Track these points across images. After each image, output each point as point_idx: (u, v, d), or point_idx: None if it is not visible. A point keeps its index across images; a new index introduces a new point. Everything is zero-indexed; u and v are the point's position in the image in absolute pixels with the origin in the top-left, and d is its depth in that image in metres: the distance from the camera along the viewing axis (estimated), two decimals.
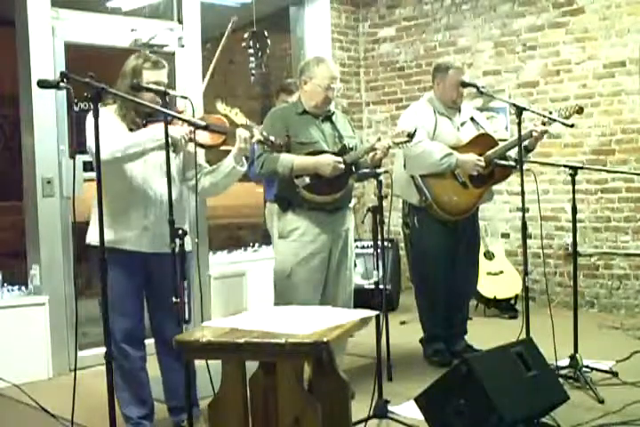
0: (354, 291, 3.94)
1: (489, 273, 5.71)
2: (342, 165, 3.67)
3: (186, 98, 3.10)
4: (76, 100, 4.41)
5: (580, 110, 4.12)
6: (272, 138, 3.34)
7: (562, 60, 5.95)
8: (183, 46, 5.21)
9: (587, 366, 3.93)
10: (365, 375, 3.79)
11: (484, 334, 4.78)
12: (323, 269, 3.80)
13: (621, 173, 5.39)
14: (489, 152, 4.25)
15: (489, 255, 5.80)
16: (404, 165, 4.27)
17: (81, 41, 4.75)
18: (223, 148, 3.29)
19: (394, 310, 5.83)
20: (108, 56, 4.82)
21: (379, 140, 3.74)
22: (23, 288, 4.56)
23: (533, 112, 4.09)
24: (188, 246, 3.21)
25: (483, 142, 4.30)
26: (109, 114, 3.16)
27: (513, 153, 4.22)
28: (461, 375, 3.00)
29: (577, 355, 3.90)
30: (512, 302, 5.74)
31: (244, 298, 5.54)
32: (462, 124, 4.39)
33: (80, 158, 4.26)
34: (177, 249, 2.86)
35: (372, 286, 3.65)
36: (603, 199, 5.79)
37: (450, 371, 3.12)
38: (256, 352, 2.48)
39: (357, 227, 4.41)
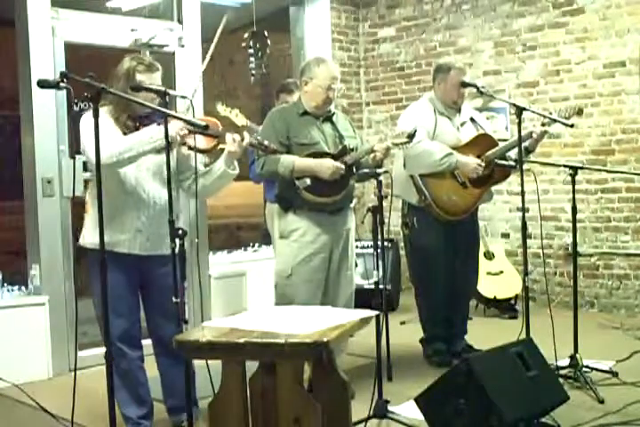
0: (354, 291, 3.95)
1: (489, 273, 5.71)
2: (342, 171, 3.67)
3: (186, 98, 3.09)
4: (75, 100, 4.41)
5: (579, 112, 4.12)
6: (265, 142, 3.33)
7: (562, 60, 5.95)
8: (183, 46, 5.20)
9: (587, 366, 3.93)
10: (365, 375, 3.80)
11: (484, 334, 4.78)
12: (323, 270, 3.80)
13: (621, 173, 5.39)
14: (489, 153, 4.25)
15: (489, 255, 5.80)
16: (404, 165, 4.27)
17: (81, 41, 4.75)
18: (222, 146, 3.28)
19: (394, 310, 5.83)
20: (108, 56, 4.82)
21: (381, 140, 3.74)
22: (23, 288, 4.56)
23: (533, 112, 4.09)
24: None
25: (482, 143, 4.30)
26: (103, 115, 3.15)
27: (513, 153, 4.22)
28: (461, 375, 3.00)
29: (577, 355, 3.90)
30: (512, 302, 5.74)
31: (244, 298, 5.54)
32: (462, 125, 4.39)
33: (80, 158, 4.23)
34: (177, 249, 2.85)
35: (372, 286, 3.65)
36: (603, 199, 5.79)
37: (450, 371, 3.12)
38: (256, 352, 2.48)
39: (357, 227, 4.40)
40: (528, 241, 3.84)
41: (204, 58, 5.33)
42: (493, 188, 4.53)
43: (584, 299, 5.79)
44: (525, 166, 3.80)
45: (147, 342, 3.40)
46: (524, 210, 3.73)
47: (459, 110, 4.41)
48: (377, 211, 3.56)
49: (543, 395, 3.15)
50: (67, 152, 4.57)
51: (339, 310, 3.09)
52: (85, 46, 4.82)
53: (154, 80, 3.20)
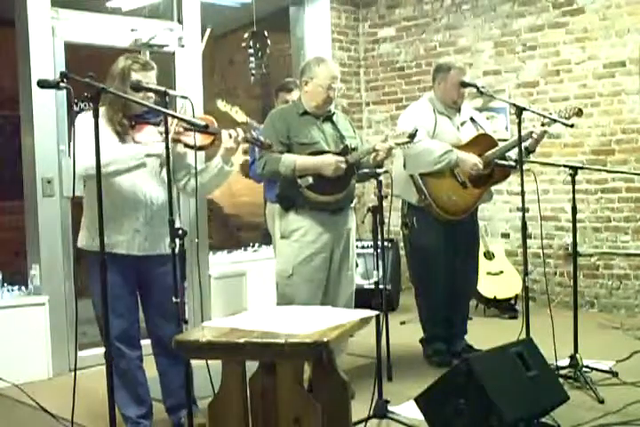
0: (354, 291, 3.95)
1: (489, 273, 5.71)
2: (344, 165, 3.67)
3: (186, 98, 3.09)
4: (75, 100, 4.41)
5: (579, 113, 4.12)
6: (261, 137, 3.33)
7: (562, 60, 5.95)
8: (183, 46, 5.20)
9: (587, 366, 3.92)
10: (365, 375, 3.80)
11: (484, 334, 4.78)
12: (324, 269, 3.80)
13: (621, 173, 5.39)
14: (488, 153, 4.25)
15: (489, 255, 5.80)
16: (404, 165, 4.27)
17: (81, 41, 4.75)
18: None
19: (394, 310, 5.83)
20: (108, 56, 4.82)
21: (383, 140, 3.74)
22: (23, 288, 4.56)
23: (533, 112, 4.09)
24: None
25: (482, 142, 4.30)
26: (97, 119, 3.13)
27: (513, 153, 4.22)
28: (461, 375, 3.00)
29: (577, 355, 3.90)
30: (512, 302, 5.74)
31: (244, 298, 5.54)
32: (462, 124, 4.39)
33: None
34: (177, 249, 2.85)
35: (372, 286, 3.65)
36: (603, 199, 5.79)
37: (450, 371, 3.12)
38: (256, 352, 2.48)
39: (358, 227, 4.40)
40: (528, 241, 3.84)
41: (204, 58, 5.34)
42: (493, 188, 4.53)
43: (584, 299, 5.79)
44: (525, 166, 3.80)
45: (146, 342, 3.40)
46: (523, 210, 3.73)
47: (458, 110, 4.41)
48: (377, 211, 3.56)
49: (543, 395, 3.15)
50: (67, 152, 4.57)
51: (339, 310, 3.09)
52: (85, 46, 4.82)
53: (149, 79, 3.20)
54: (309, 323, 2.64)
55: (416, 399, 3.16)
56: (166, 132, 2.87)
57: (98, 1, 5.04)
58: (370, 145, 3.84)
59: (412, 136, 3.71)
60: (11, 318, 4.37)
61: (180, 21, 5.24)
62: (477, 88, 4.13)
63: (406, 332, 4.98)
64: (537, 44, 6.07)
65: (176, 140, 3.20)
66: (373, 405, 3.41)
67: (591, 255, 5.81)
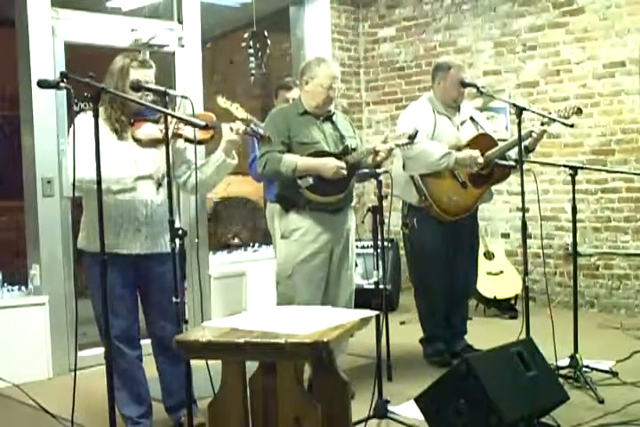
0: (354, 291, 3.95)
1: (489, 273, 5.71)
2: (345, 171, 3.67)
3: (186, 98, 3.09)
4: (75, 100, 4.41)
5: (578, 112, 4.12)
6: (260, 130, 3.34)
7: (562, 60, 5.95)
8: (183, 46, 5.21)
9: (587, 366, 3.93)
10: (365, 375, 3.79)
11: (484, 334, 4.78)
12: (324, 269, 3.80)
13: (621, 173, 5.39)
14: (488, 152, 4.25)
15: (489, 255, 5.80)
16: (404, 166, 4.27)
17: (81, 41, 4.75)
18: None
19: (394, 310, 5.83)
20: (108, 56, 4.82)
21: (384, 141, 3.74)
22: (23, 288, 4.56)
23: (533, 112, 4.09)
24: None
25: (482, 142, 4.30)
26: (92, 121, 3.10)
27: (513, 153, 4.22)
28: (461, 375, 3.00)
29: (577, 355, 3.90)
30: (512, 302, 5.74)
31: (244, 298, 5.54)
32: (462, 124, 4.39)
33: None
34: (177, 249, 2.85)
35: (372, 286, 3.65)
36: (603, 199, 5.79)
37: (450, 371, 3.12)
38: (256, 352, 2.48)
39: (357, 227, 4.41)
40: (528, 241, 3.84)
41: (204, 57, 5.34)
42: (493, 188, 4.53)
43: (584, 299, 5.79)
44: (525, 166, 3.80)
45: (146, 342, 3.40)
46: (523, 210, 3.73)
47: (458, 109, 4.41)
48: (377, 211, 3.56)
49: (543, 395, 3.15)
50: (67, 152, 4.57)
51: (339, 310, 3.09)
52: (85, 46, 4.82)
53: (148, 77, 3.20)
54: (309, 323, 2.64)
55: (416, 399, 3.16)
56: (166, 132, 2.87)
57: (98, 1, 5.05)
58: (370, 146, 3.84)
59: (413, 137, 3.71)
60: (11, 318, 4.37)
61: (180, 21, 5.24)
62: (477, 88, 4.13)
63: (406, 332, 4.98)
64: (537, 44, 6.07)
65: (176, 135, 3.20)
66: (373, 405, 3.41)
67: (591, 255, 5.81)
